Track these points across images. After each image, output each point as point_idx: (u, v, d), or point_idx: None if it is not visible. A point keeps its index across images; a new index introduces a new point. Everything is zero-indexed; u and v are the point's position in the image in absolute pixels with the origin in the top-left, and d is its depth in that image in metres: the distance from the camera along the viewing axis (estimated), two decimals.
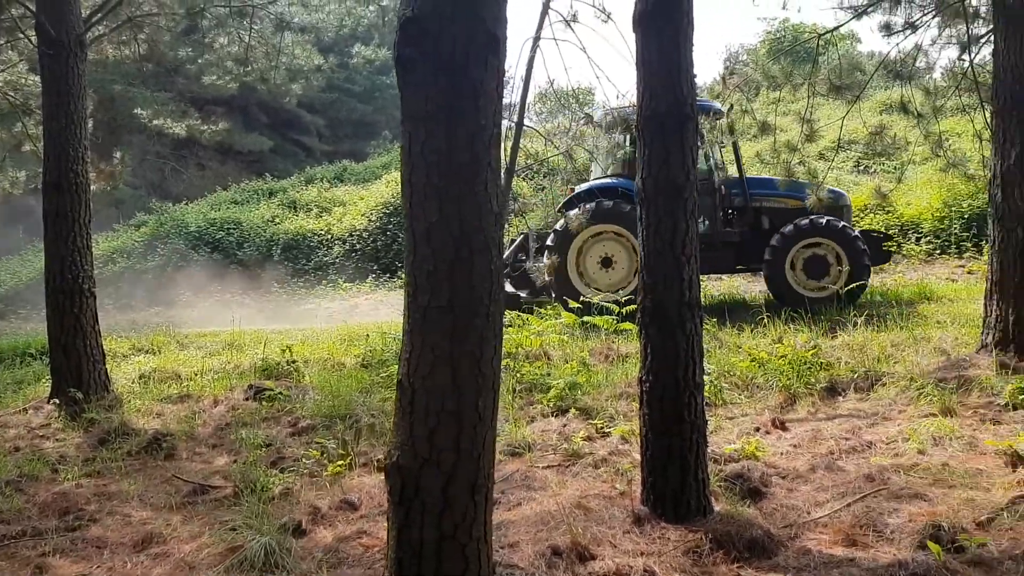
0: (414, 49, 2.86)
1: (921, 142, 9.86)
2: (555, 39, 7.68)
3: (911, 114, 9.00)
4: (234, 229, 22.09)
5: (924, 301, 11.03)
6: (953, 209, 15.30)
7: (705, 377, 6.76)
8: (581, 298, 10.74)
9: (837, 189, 12.22)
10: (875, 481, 4.70)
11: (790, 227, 10.85)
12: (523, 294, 11.62)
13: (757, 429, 6.03)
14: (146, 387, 8.60)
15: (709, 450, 4.96)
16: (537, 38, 7.59)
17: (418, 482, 2.96)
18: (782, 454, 5.42)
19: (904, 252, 14.63)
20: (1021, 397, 5.85)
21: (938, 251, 14.76)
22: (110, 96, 27.49)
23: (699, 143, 10.86)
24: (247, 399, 7.74)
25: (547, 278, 11.30)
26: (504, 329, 9.14)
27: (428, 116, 2.89)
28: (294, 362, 8.80)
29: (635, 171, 4.59)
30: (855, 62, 10.43)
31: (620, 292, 10.90)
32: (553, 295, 11.06)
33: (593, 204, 10.73)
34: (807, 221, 10.80)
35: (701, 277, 4.46)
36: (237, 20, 11.37)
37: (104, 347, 8.44)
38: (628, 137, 10.41)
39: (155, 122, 25.33)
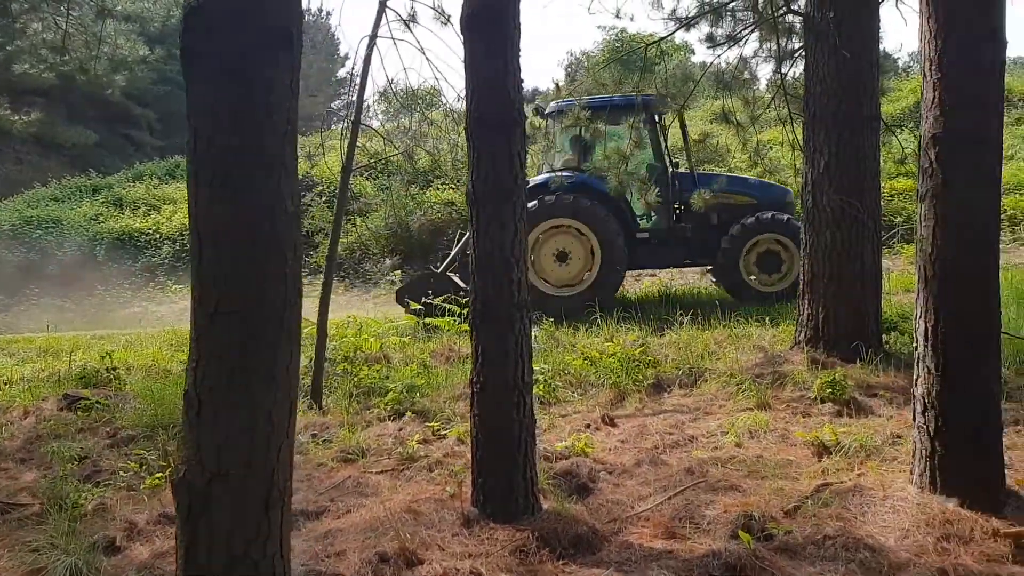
0: (199, 42, 2.69)
1: (744, 150, 10.38)
2: (393, 39, 7.62)
3: (732, 123, 9.45)
4: (53, 228, 20.72)
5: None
6: None
7: (540, 376, 6.92)
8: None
9: (784, 186, 12.60)
10: (695, 474, 4.89)
11: (751, 220, 10.97)
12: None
13: (588, 426, 6.16)
14: None
15: (541, 448, 5.04)
16: (373, 36, 7.49)
17: (206, 499, 2.77)
18: (610, 450, 5.56)
19: None
20: (828, 391, 6.24)
21: None
22: None
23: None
24: (61, 409, 7.23)
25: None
26: (342, 332, 8.95)
27: (215, 112, 2.73)
28: (115, 369, 8.28)
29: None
30: (688, 72, 10.83)
31: (573, 288, 10.93)
32: None
33: (553, 198, 10.65)
34: (768, 216, 10.99)
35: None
36: (53, 5, 10.61)
37: None
38: (580, 129, 10.18)
39: None
